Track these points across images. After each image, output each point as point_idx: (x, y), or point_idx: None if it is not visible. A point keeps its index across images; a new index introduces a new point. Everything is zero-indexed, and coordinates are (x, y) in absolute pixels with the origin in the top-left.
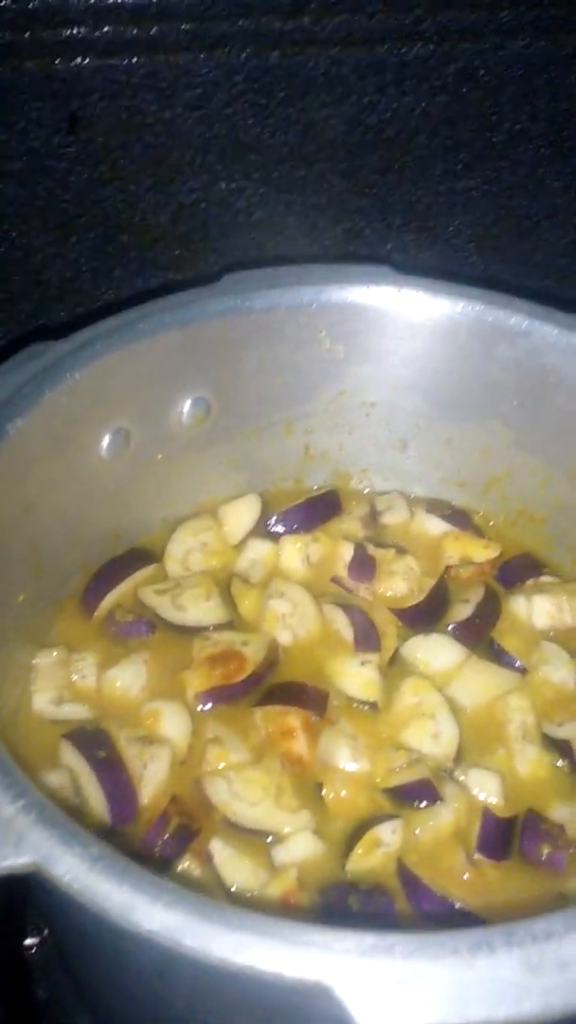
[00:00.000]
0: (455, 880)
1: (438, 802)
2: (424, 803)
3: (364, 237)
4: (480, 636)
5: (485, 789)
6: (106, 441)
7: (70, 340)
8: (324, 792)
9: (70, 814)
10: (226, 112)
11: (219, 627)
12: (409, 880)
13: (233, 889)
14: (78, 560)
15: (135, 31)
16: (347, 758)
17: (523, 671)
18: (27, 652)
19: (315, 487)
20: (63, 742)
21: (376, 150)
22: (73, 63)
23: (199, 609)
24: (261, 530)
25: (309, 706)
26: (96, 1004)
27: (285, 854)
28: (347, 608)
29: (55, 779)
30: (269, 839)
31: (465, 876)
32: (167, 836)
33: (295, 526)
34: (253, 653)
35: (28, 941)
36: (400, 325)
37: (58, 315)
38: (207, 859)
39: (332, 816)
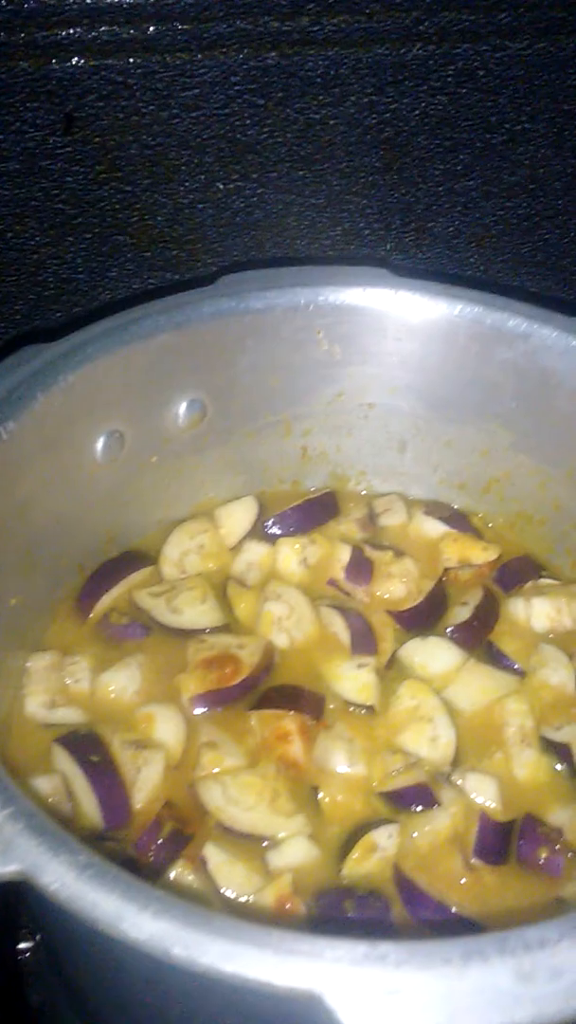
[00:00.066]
0: (452, 885)
1: (435, 806)
2: (421, 807)
3: (363, 238)
4: (478, 639)
5: (483, 793)
6: (100, 443)
7: (63, 342)
8: (320, 796)
9: (61, 820)
10: (224, 113)
11: (215, 630)
12: (405, 885)
13: (227, 894)
14: (72, 563)
15: (131, 31)
16: (343, 762)
17: (522, 674)
18: (20, 655)
19: (312, 489)
20: (56, 746)
21: (375, 151)
22: (69, 63)
23: (194, 612)
24: (258, 532)
25: (305, 710)
26: (89, 1010)
27: (280, 859)
28: (344, 611)
29: (47, 784)
30: (264, 844)
31: (462, 881)
32: (160, 841)
33: (292, 528)
34: (249, 656)
35: (22, 946)
36: (398, 327)
37: (54, 316)
38: (201, 864)
39: (328, 821)
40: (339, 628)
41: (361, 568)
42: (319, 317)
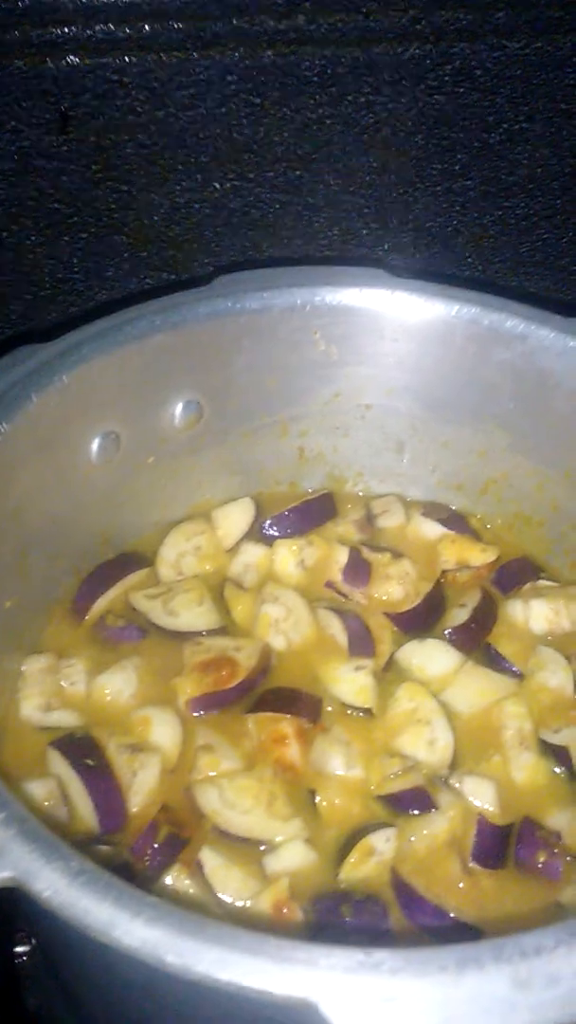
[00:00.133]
0: (450, 889)
1: (433, 810)
2: (418, 811)
3: (361, 238)
4: (476, 641)
5: (481, 796)
6: (96, 444)
7: (58, 342)
8: (317, 800)
9: (57, 825)
10: (220, 112)
11: (211, 632)
12: (403, 890)
13: (224, 899)
14: (68, 565)
15: (127, 30)
16: (341, 765)
17: (520, 676)
18: (15, 658)
19: (310, 490)
20: (51, 750)
21: (372, 150)
22: (64, 62)
23: (191, 614)
24: (255, 534)
25: (302, 712)
26: (85, 1015)
27: (277, 863)
28: (341, 613)
29: (42, 788)
30: (261, 848)
31: (460, 885)
32: (156, 845)
33: (289, 530)
34: (246, 659)
35: (19, 949)
36: (395, 327)
37: (50, 316)
38: (197, 868)
39: (325, 824)
40: (336, 630)
41: (359, 570)
42: (316, 317)
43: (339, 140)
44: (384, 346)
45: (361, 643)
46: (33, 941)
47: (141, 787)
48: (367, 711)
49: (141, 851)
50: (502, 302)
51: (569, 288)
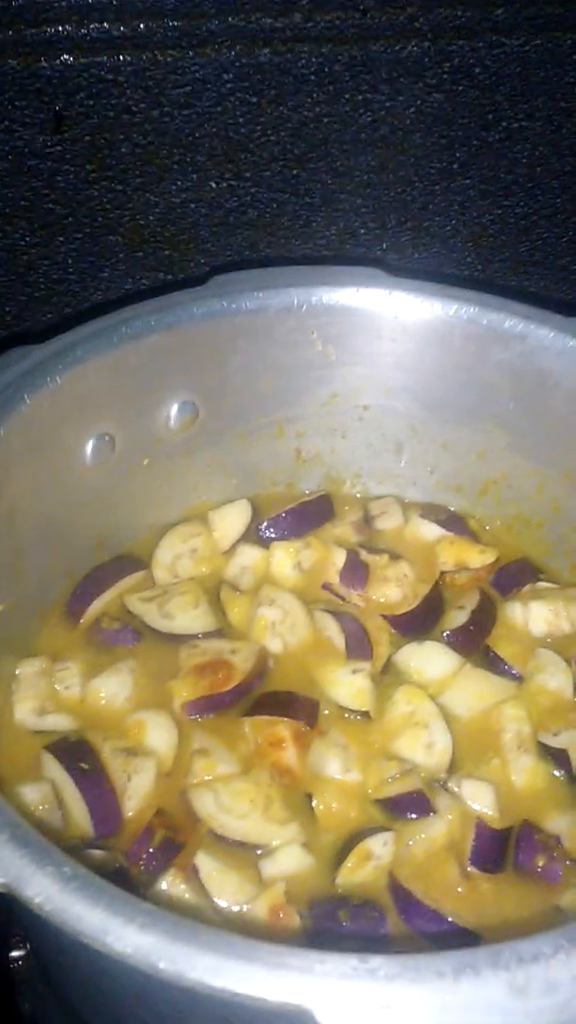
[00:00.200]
0: (448, 894)
1: (431, 814)
2: (416, 815)
3: (358, 237)
4: (475, 643)
5: (479, 800)
6: (90, 446)
7: (52, 343)
8: (314, 804)
9: (51, 829)
10: (216, 110)
11: (207, 635)
12: (401, 894)
13: (219, 904)
14: (62, 567)
15: (122, 28)
16: (338, 769)
17: (519, 679)
18: (9, 662)
19: (307, 491)
20: (45, 754)
21: (370, 149)
22: (58, 61)
23: (187, 617)
24: (251, 536)
25: (299, 716)
26: (80, 1020)
27: (273, 867)
28: (339, 615)
29: (37, 792)
30: (257, 852)
31: (458, 889)
32: (152, 850)
33: (286, 532)
34: (242, 662)
35: (14, 954)
36: (393, 327)
37: (45, 317)
38: (193, 873)
39: (322, 828)
40: (334, 633)
41: (356, 572)
42: (312, 317)
43: (336, 139)
44: (382, 346)
45: (358, 646)
46: (27, 946)
47: (136, 791)
48: (364, 714)
49: (136, 856)
50: (501, 301)
51: (568, 287)
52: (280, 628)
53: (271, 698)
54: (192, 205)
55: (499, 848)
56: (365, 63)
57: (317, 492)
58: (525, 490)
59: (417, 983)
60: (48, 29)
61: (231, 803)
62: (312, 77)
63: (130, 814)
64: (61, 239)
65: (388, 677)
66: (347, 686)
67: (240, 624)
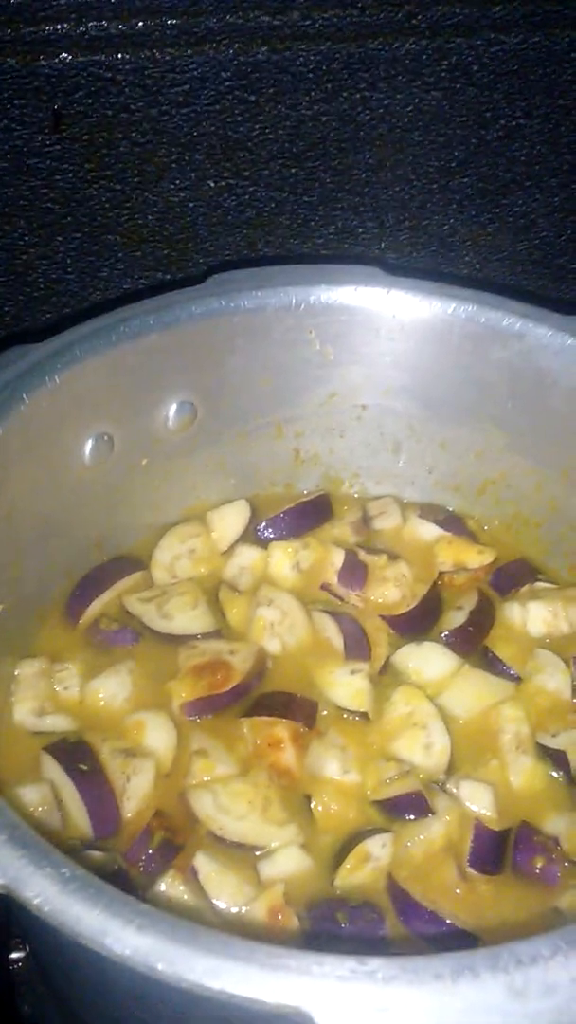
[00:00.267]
0: (446, 895)
1: (429, 815)
2: (415, 816)
3: (357, 236)
4: (474, 644)
5: (477, 801)
6: (89, 446)
7: (50, 342)
8: (313, 805)
9: (50, 830)
10: (214, 109)
11: (206, 636)
12: (399, 896)
13: (218, 905)
14: (61, 568)
15: (120, 26)
16: (336, 770)
17: (518, 680)
18: (8, 662)
19: (306, 491)
20: (44, 755)
21: (368, 147)
22: (57, 60)
23: (186, 617)
24: (250, 536)
25: (297, 717)
26: (79, 1021)
27: (272, 869)
28: (337, 616)
29: (36, 793)
30: (256, 853)
31: (457, 891)
32: (151, 851)
33: (285, 532)
34: (240, 662)
35: (14, 955)
36: (392, 326)
37: (43, 317)
38: (191, 875)
39: (321, 830)
40: (332, 633)
41: (355, 572)
42: (311, 317)
43: (334, 137)
44: (380, 345)
45: (357, 646)
46: (27, 947)
47: (135, 792)
48: (363, 715)
49: (135, 857)
50: (499, 300)
51: (567, 286)
52: (279, 629)
53: (270, 699)
54: (190, 204)
55: (498, 849)
56: (363, 61)
57: (315, 492)
58: (524, 490)
59: (415, 985)
60: (46, 28)
61: (230, 804)
62: (310, 75)
63: (129, 815)
64: (60, 238)
65: (386, 678)
66: (345, 687)
67: (239, 625)
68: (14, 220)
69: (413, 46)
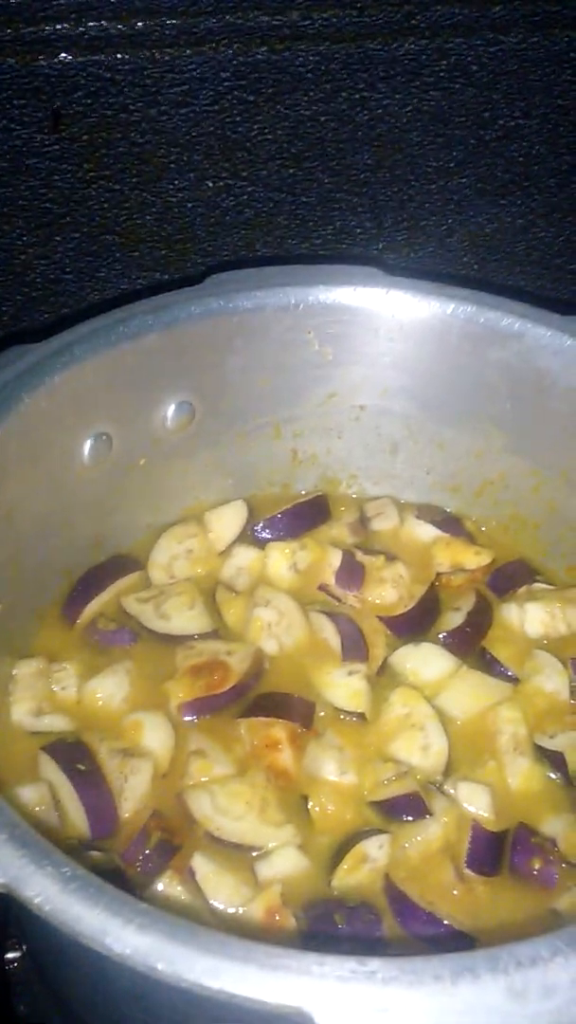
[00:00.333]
0: (444, 896)
1: (427, 816)
2: (412, 817)
3: (355, 236)
4: (471, 645)
5: (475, 803)
6: (87, 446)
7: (49, 343)
8: (310, 806)
9: (48, 830)
10: (213, 109)
11: (203, 636)
12: (396, 897)
13: (216, 906)
14: (59, 568)
15: (119, 27)
16: (334, 771)
17: (515, 681)
18: (6, 662)
19: (303, 492)
20: (42, 755)
21: (367, 147)
22: (56, 60)
23: (183, 618)
24: (247, 537)
25: (295, 717)
26: (76, 1021)
27: (269, 869)
28: (335, 616)
29: (34, 793)
30: (253, 854)
31: (454, 892)
32: (148, 852)
33: (282, 532)
34: (238, 663)
35: (9, 955)
36: (391, 327)
37: (42, 317)
38: (189, 875)
39: (318, 830)
40: (330, 634)
41: (352, 573)
42: (309, 317)
43: (333, 137)
44: (379, 345)
45: (354, 647)
46: (24, 947)
47: (132, 792)
48: (360, 716)
49: (132, 857)
50: (498, 300)
51: (565, 287)
52: (276, 629)
53: (267, 700)
54: (189, 204)
55: (495, 851)
56: (362, 61)
57: (313, 493)
58: (522, 491)
59: (415, 986)
60: (46, 28)
61: (227, 805)
62: (309, 75)
63: (126, 815)
64: (58, 238)
65: (384, 679)
66: (343, 688)
67: (236, 625)
68: (13, 220)
69: (412, 46)
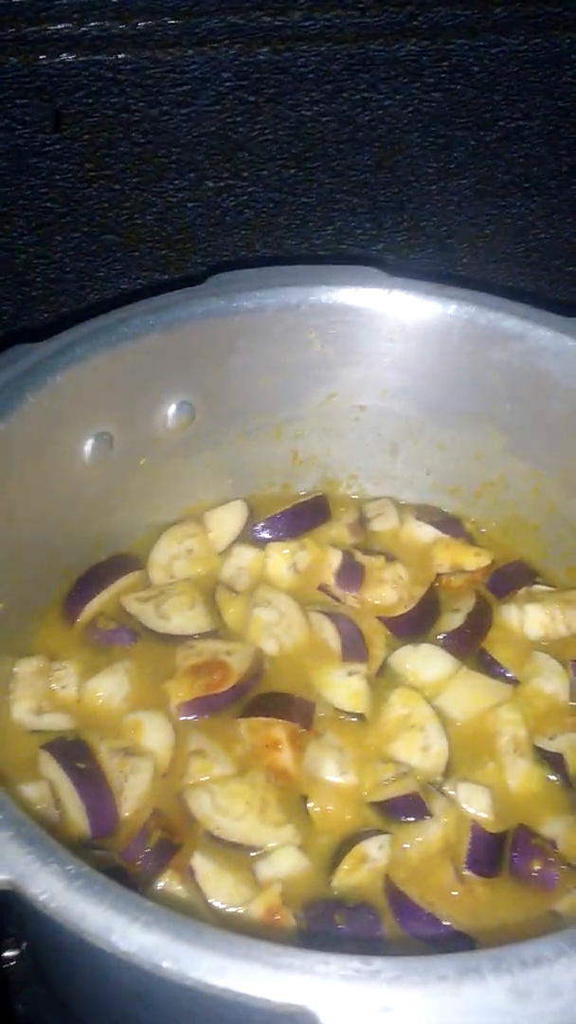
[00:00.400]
0: (443, 897)
1: (426, 817)
2: (412, 818)
3: (355, 237)
4: (471, 646)
5: (475, 804)
6: (88, 446)
7: (51, 342)
8: (310, 806)
9: (49, 828)
10: (214, 109)
11: (203, 636)
12: (396, 897)
13: (216, 905)
14: (60, 566)
15: (121, 26)
16: (333, 771)
17: (515, 682)
18: (7, 661)
19: (303, 492)
20: (42, 753)
21: (368, 148)
22: (58, 59)
23: (183, 617)
24: (247, 536)
25: (295, 718)
26: (75, 1020)
27: (269, 869)
28: (334, 617)
29: (33, 791)
30: (253, 854)
31: (454, 893)
32: (148, 851)
33: (282, 533)
34: (238, 663)
35: (7, 954)
36: (392, 327)
37: (42, 317)
38: (189, 874)
39: (318, 831)
40: (329, 635)
41: (352, 574)
42: (311, 317)
43: (334, 138)
44: (380, 346)
45: (354, 647)
46: (23, 946)
47: (132, 791)
48: (360, 716)
49: (132, 856)
50: (499, 301)
51: (565, 288)
52: (276, 629)
53: (267, 700)
54: (189, 204)
55: (495, 852)
56: (363, 62)
57: (313, 493)
58: (522, 492)
59: (419, 986)
60: (48, 27)
61: (227, 805)
62: (310, 76)
63: (127, 814)
64: (59, 238)
65: (384, 679)
66: (343, 688)
67: (236, 625)
68: (13, 219)
69: (413, 47)
